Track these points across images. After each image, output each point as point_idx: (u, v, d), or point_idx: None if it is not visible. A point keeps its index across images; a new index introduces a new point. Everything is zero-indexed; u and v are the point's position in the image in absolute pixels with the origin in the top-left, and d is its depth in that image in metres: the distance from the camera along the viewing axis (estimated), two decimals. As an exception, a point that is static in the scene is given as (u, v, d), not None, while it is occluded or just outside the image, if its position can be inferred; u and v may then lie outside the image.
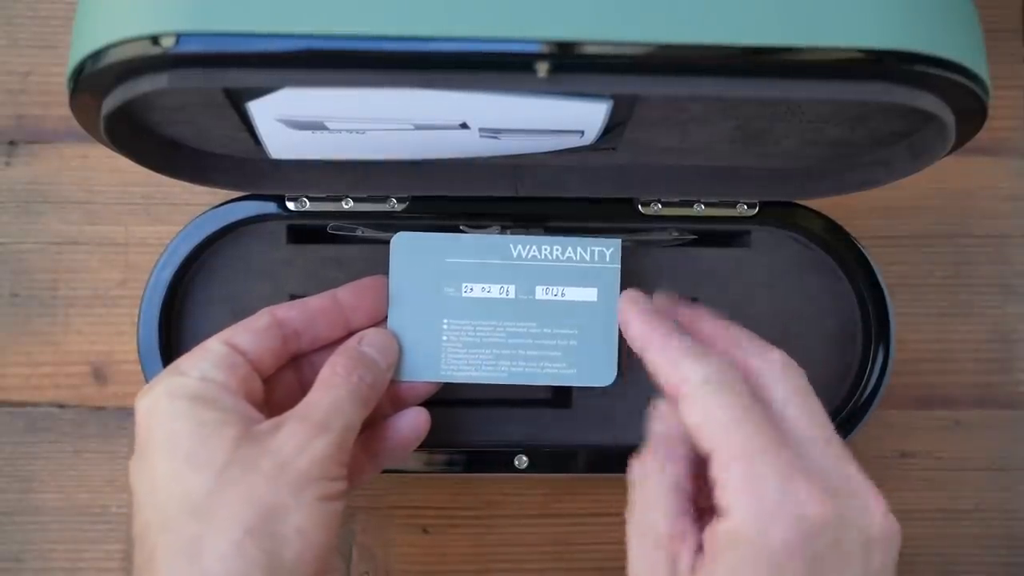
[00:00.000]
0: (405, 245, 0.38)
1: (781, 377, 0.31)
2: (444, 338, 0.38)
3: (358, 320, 0.37)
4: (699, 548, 0.29)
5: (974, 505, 0.46)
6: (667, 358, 0.32)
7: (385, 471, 0.41)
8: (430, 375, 0.38)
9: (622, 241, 0.39)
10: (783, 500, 0.27)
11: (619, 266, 0.38)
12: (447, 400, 0.42)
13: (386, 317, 0.38)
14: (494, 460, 0.41)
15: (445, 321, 0.38)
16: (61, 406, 0.45)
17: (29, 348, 0.45)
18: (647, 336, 0.33)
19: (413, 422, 0.38)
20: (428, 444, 0.41)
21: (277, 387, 0.36)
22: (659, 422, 0.32)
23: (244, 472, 0.30)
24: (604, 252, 0.38)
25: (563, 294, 0.38)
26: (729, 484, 0.28)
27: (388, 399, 0.38)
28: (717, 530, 0.28)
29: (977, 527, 0.46)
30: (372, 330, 0.37)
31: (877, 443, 0.46)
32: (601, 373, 0.38)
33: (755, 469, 0.28)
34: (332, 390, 0.33)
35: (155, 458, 0.31)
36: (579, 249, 0.38)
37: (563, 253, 0.38)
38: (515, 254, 0.38)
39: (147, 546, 0.30)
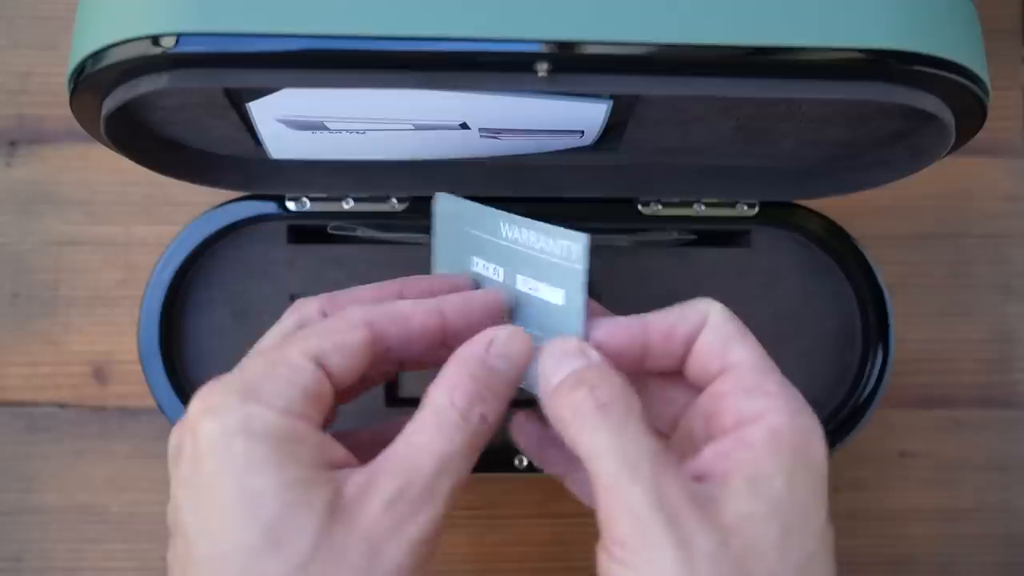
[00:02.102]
0: (446, 207, 0.33)
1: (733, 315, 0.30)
2: None
3: (460, 339, 0.29)
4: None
5: (974, 505, 0.46)
6: (674, 318, 0.29)
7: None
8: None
9: (589, 238, 0.33)
10: (812, 415, 0.27)
11: (584, 267, 0.30)
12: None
13: None
14: (494, 460, 0.41)
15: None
16: (61, 406, 0.45)
17: (30, 348, 0.45)
18: (633, 326, 0.29)
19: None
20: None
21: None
22: (581, 356, 0.28)
23: (331, 563, 0.24)
24: (569, 247, 0.31)
25: (537, 289, 0.32)
26: (771, 390, 0.27)
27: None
28: (748, 434, 0.26)
29: (977, 527, 0.46)
30: (504, 331, 0.28)
31: (877, 443, 0.46)
32: None
33: (786, 382, 0.27)
34: (444, 437, 0.26)
35: (224, 516, 0.24)
36: (548, 239, 0.32)
37: (536, 241, 0.32)
38: (504, 234, 0.33)
39: None
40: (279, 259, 0.42)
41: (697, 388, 0.29)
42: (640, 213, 0.41)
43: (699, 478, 0.26)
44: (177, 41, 0.25)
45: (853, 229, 0.42)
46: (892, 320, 0.42)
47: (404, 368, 0.32)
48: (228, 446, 0.25)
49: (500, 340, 0.28)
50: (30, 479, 0.44)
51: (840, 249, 0.42)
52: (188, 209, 0.44)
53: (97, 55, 0.26)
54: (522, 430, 0.32)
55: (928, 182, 0.46)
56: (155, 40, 0.26)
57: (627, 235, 0.42)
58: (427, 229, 0.41)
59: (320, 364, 0.27)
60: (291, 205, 0.41)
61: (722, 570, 0.24)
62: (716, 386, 0.28)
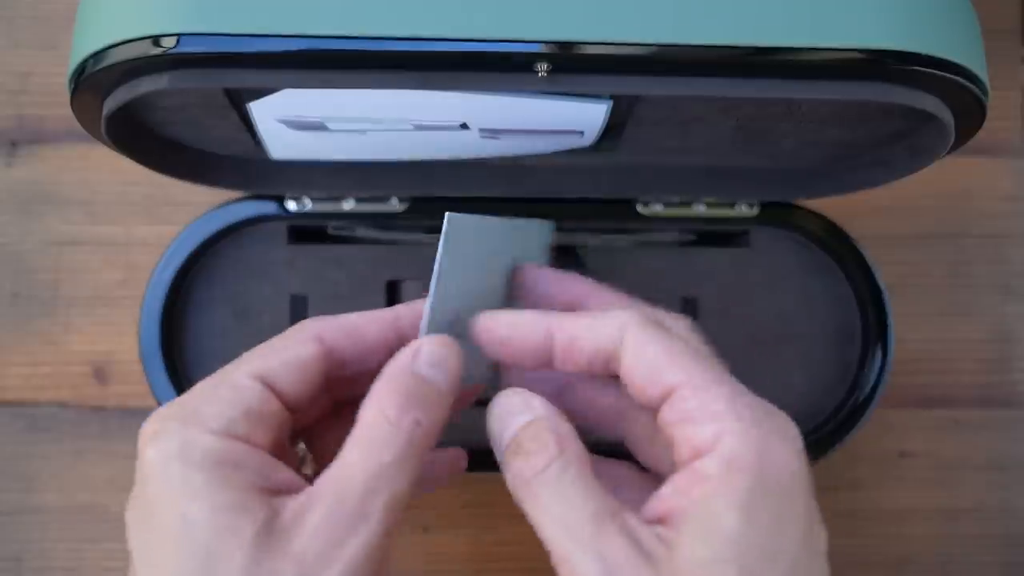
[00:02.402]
0: (459, 228, 0.30)
1: (674, 317, 0.29)
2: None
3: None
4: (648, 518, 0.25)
5: (974, 505, 0.46)
6: (582, 327, 0.27)
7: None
8: (477, 377, 0.31)
9: (553, 224, 0.34)
10: (773, 424, 0.25)
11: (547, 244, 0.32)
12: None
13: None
14: (494, 460, 0.41)
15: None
16: (62, 406, 0.45)
17: (30, 348, 0.45)
18: (537, 323, 0.28)
19: (452, 459, 0.32)
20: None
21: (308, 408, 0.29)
22: (520, 413, 0.27)
23: None
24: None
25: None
26: (717, 411, 0.25)
27: None
28: (703, 465, 0.24)
29: (977, 527, 0.46)
30: (428, 340, 0.27)
31: (877, 443, 0.46)
32: None
33: (736, 394, 0.25)
34: (374, 450, 0.25)
35: (163, 544, 0.24)
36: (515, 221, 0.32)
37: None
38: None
39: None
40: (279, 259, 0.42)
41: (644, 406, 0.27)
42: (640, 213, 0.41)
43: (659, 520, 0.25)
44: (178, 41, 0.25)
45: (853, 229, 0.42)
46: (892, 320, 0.42)
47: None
48: (166, 471, 0.24)
49: (425, 349, 0.27)
50: (30, 479, 0.44)
51: (840, 249, 0.42)
52: (188, 209, 0.44)
53: (98, 55, 0.27)
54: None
55: (928, 182, 0.46)
56: (156, 40, 0.26)
57: (627, 235, 0.42)
58: (427, 229, 0.41)
59: (266, 383, 0.26)
60: (291, 205, 0.41)
61: None
62: (663, 414, 0.26)
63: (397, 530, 0.25)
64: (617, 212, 0.42)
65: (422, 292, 0.29)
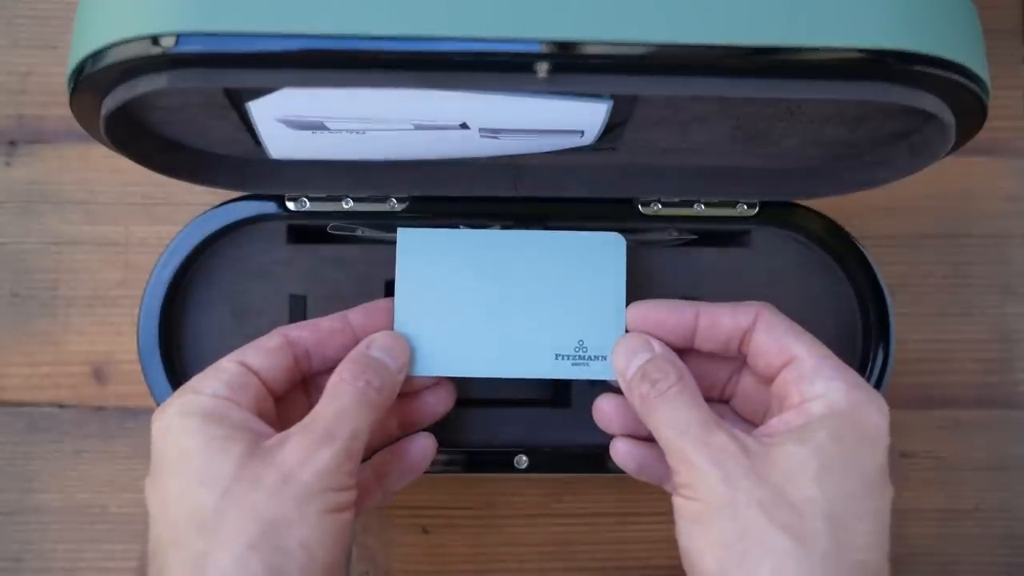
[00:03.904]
0: (412, 241, 0.38)
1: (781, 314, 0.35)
2: (455, 333, 0.38)
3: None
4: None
5: (974, 505, 0.46)
6: (724, 310, 0.35)
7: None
8: (441, 370, 0.38)
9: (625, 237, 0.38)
10: (873, 396, 0.32)
11: (623, 259, 0.38)
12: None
13: None
14: (494, 460, 0.41)
15: (455, 316, 0.38)
16: (61, 406, 0.45)
17: (29, 348, 0.45)
18: (686, 309, 0.36)
19: (421, 447, 0.38)
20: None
21: (290, 407, 0.36)
22: (642, 351, 0.35)
23: (248, 487, 0.30)
24: (607, 245, 0.38)
25: (566, 289, 0.38)
26: (824, 374, 0.32)
27: (398, 420, 0.38)
28: (809, 407, 0.32)
29: (977, 527, 0.46)
30: (381, 333, 0.36)
31: (877, 443, 0.46)
32: (611, 366, 0.38)
33: (842, 365, 0.33)
34: (337, 398, 0.33)
35: (167, 475, 0.31)
36: (580, 243, 0.38)
37: (564, 248, 0.38)
38: (515, 249, 0.38)
39: (158, 562, 0.31)
40: (279, 259, 0.42)
41: (761, 378, 0.35)
42: (640, 213, 0.41)
43: (763, 437, 0.32)
44: (177, 41, 0.25)
45: (853, 229, 0.42)
46: (893, 320, 0.42)
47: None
48: (169, 425, 0.32)
49: (377, 338, 0.36)
50: (30, 479, 0.44)
51: (840, 249, 0.42)
52: (188, 209, 0.45)
53: (97, 55, 0.26)
54: (601, 413, 0.38)
55: (928, 182, 0.46)
56: (155, 40, 0.26)
57: (627, 235, 0.42)
58: (428, 228, 0.41)
59: (243, 363, 0.34)
60: (291, 205, 0.41)
61: (760, 493, 0.30)
62: (783, 376, 0.33)
63: (358, 456, 0.32)
64: (617, 212, 0.41)
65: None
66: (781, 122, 0.34)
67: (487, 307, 0.38)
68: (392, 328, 0.37)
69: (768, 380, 0.35)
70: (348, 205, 0.41)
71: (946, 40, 0.27)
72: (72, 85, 0.28)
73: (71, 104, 0.29)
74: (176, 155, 0.37)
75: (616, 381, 0.36)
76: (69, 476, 0.44)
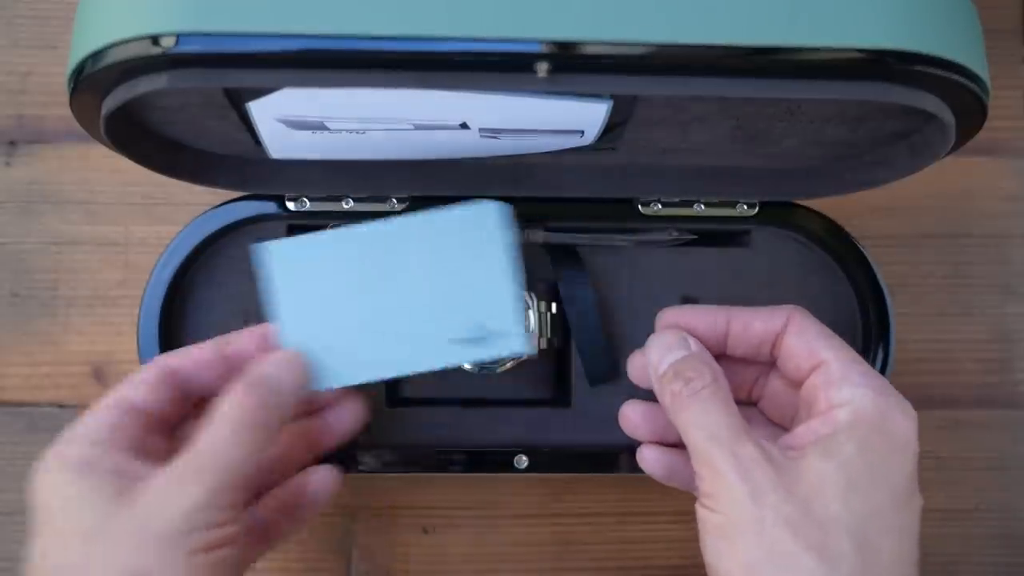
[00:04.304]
0: (281, 254, 0.35)
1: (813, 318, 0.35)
2: (346, 339, 0.35)
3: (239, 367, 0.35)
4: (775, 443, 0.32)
5: (974, 505, 0.46)
6: (757, 312, 0.35)
7: (385, 471, 0.41)
8: (339, 380, 0.35)
9: (508, 207, 0.36)
10: (900, 402, 0.32)
11: (501, 227, 0.35)
12: (447, 400, 0.42)
13: None
14: (494, 460, 0.41)
15: (343, 322, 0.35)
16: (61, 406, 0.45)
17: (29, 348, 0.45)
18: (718, 313, 0.36)
19: (320, 480, 0.37)
20: (428, 444, 0.41)
21: (188, 435, 0.34)
22: (677, 348, 0.34)
23: (110, 537, 0.29)
24: (481, 217, 0.35)
25: (448, 271, 0.35)
26: (856, 380, 0.32)
27: (305, 444, 0.37)
28: (835, 414, 0.31)
29: (977, 527, 0.46)
30: (276, 352, 0.34)
31: (877, 443, 0.46)
32: (512, 340, 0.36)
33: (874, 375, 0.32)
34: (212, 428, 0.31)
35: (37, 535, 0.31)
36: (453, 221, 0.35)
37: (438, 229, 0.35)
38: (390, 240, 0.36)
39: None
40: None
41: (790, 381, 0.35)
42: (640, 213, 0.41)
43: (789, 448, 0.32)
44: (177, 41, 0.25)
45: (853, 229, 0.42)
46: (892, 320, 0.42)
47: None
48: (44, 484, 0.31)
49: (268, 356, 0.34)
50: (30, 479, 0.44)
51: (840, 249, 0.42)
52: (188, 209, 0.44)
53: (97, 55, 0.26)
54: (627, 420, 0.38)
55: (928, 182, 0.46)
56: (155, 40, 0.26)
57: (627, 235, 0.42)
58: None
59: (121, 400, 0.33)
60: (291, 205, 0.41)
61: (786, 509, 0.29)
62: (811, 380, 0.33)
63: (238, 488, 0.31)
64: (617, 212, 0.41)
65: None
66: (781, 122, 0.34)
67: (373, 305, 0.36)
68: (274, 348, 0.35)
69: (797, 384, 0.34)
70: (348, 205, 0.41)
71: (946, 40, 0.27)
72: (72, 85, 0.28)
73: (71, 104, 0.29)
74: (176, 155, 0.37)
75: (515, 357, 0.36)
76: (69, 476, 0.44)
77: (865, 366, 0.33)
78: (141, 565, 0.28)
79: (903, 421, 0.31)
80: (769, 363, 0.36)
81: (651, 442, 0.37)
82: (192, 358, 0.35)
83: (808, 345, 0.34)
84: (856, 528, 0.29)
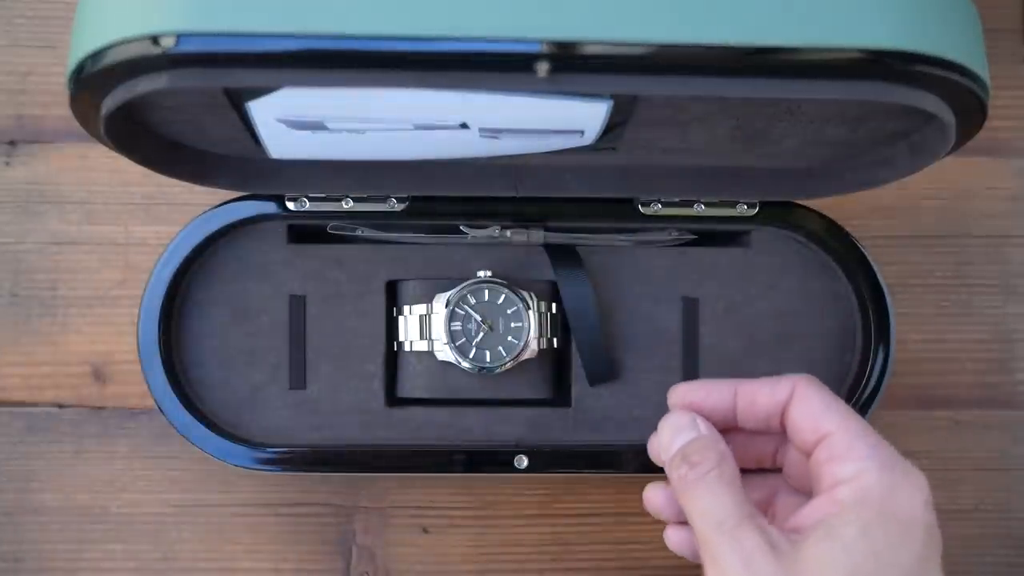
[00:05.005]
0: None
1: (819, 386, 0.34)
2: None
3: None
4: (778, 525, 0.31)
5: (974, 505, 0.46)
6: (762, 384, 0.34)
7: (385, 471, 0.41)
8: None
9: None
10: (908, 473, 0.30)
11: None
12: (447, 400, 0.42)
13: None
14: (494, 460, 0.41)
15: None
16: (61, 406, 0.45)
17: (29, 348, 0.45)
18: (724, 388, 0.35)
19: None
20: (428, 444, 0.41)
21: None
22: (686, 430, 0.34)
23: None
24: None
25: None
26: (862, 453, 0.31)
27: None
28: (838, 493, 0.30)
29: (977, 527, 0.46)
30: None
31: (877, 443, 0.46)
32: None
33: (882, 445, 0.31)
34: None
35: None
36: None
37: None
38: None
39: None
40: (279, 259, 0.42)
41: (800, 450, 0.34)
42: (640, 213, 0.41)
43: (794, 530, 0.31)
44: (177, 41, 0.25)
45: (853, 229, 0.42)
46: (893, 320, 0.42)
47: None
48: None
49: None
50: (30, 479, 0.44)
51: (840, 249, 0.42)
52: (188, 209, 0.44)
53: (97, 55, 0.26)
54: (651, 504, 0.37)
55: (928, 182, 0.46)
56: (155, 40, 0.25)
57: (627, 235, 0.42)
58: (426, 228, 0.41)
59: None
60: (291, 205, 0.41)
61: None
62: (817, 453, 0.32)
63: None
64: (617, 212, 0.41)
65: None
66: (781, 122, 0.34)
67: None
68: None
69: (808, 455, 0.34)
70: (348, 205, 0.41)
71: (946, 40, 0.27)
72: (72, 85, 0.28)
73: (71, 104, 0.29)
74: (176, 155, 0.37)
75: None
76: (69, 476, 0.44)
77: (874, 437, 0.32)
78: None
79: (909, 497, 0.30)
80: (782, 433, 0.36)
81: (676, 523, 0.37)
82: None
83: (813, 417, 0.33)
84: None
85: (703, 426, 0.34)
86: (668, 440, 0.34)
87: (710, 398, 0.35)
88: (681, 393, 0.36)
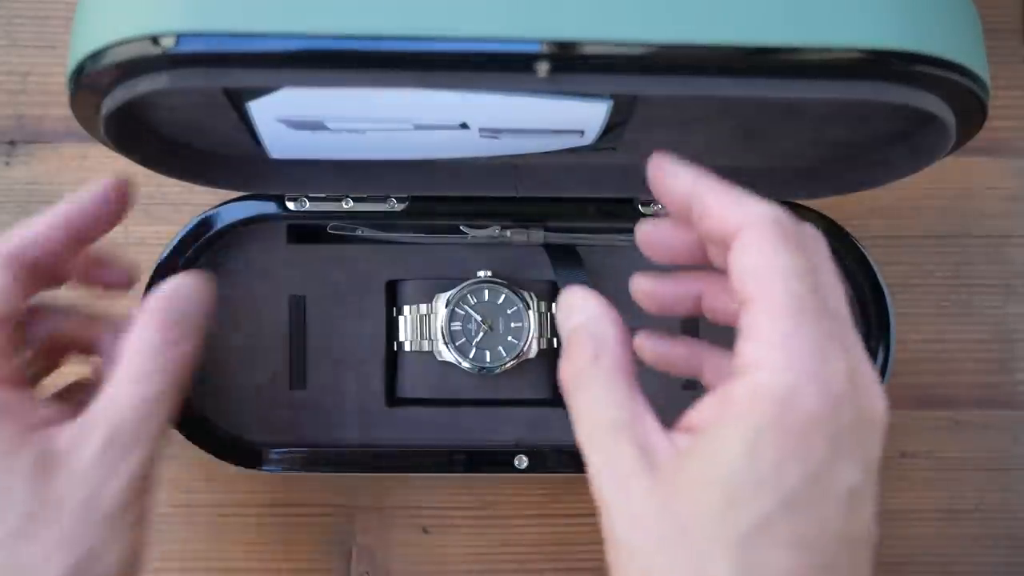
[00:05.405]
0: None
1: (817, 239, 0.28)
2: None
3: (94, 230, 0.32)
4: (668, 429, 0.27)
5: (974, 505, 0.46)
6: (730, 197, 0.27)
7: (385, 471, 0.41)
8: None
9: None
10: (819, 368, 0.24)
11: None
12: (447, 400, 0.42)
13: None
14: (494, 460, 0.41)
15: None
16: (61, 406, 0.45)
17: (29, 348, 0.45)
18: (701, 180, 0.28)
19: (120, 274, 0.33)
20: (428, 444, 0.41)
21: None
22: (575, 314, 0.28)
23: (51, 513, 0.26)
24: None
25: None
26: (766, 336, 0.25)
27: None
28: (734, 388, 0.25)
29: (977, 527, 0.46)
30: (188, 278, 0.31)
31: (877, 443, 0.46)
32: None
33: (800, 328, 0.25)
34: (144, 382, 0.28)
35: None
36: None
37: None
38: None
39: None
40: (279, 259, 0.42)
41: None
42: (640, 213, 0.41)
43: (688, 429, 0.26)
44: (177, 41, 0.25)
45: (853, 229, 0.42)
46: (892, 320, 0.42)
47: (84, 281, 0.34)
48: None
49: (184, 284, 0.31)
50: None
51: (840, 249, 0.42)
52: (188, 209, 0.44)
53: (97, 55, 0.26)
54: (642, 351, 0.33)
55: (928, 182, 0.46)
56: (155, 40, 0.25)
57: (627, 235, 0.42)
58: (427, 228, 0.41)
59: None
60: (291, 205, 0.41)
61: (661, 531, 0.24)
62: (739, 323, 0.26)
63: (162, 450, 0.29)
64: (617, 212, 0.41)
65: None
66: (781, 122, 0.34)
67: None
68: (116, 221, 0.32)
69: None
70: (348, 205, 0.41)
71: (946, 40, 0.27)
72: (72, 85, 0.28)
73: (71, 104, 0.29)
74: (176, 155, 0.37)
75: None
76: (69, 476, 0.44)
77: (795, 320, 0.25)
78: (93, 544, 0.26)
79: (811, 400, 0.24)
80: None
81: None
82: (37, 228, 0.31)
83: (745, 272, 0.26)
84: (737, 547, 0.23)
85: (591, 306, 0.28)
86: (559, 323, 0.29)
87: (668, 189, 0.29)
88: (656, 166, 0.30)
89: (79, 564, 0.26)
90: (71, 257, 0.31)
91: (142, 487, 0.28)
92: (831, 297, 0.27)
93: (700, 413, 0.26)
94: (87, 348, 0.34)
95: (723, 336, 0.30)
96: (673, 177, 0.29)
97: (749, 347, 0.25)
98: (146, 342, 0.29)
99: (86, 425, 0.28)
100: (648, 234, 0.31)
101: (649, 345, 0.33)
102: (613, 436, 0.26)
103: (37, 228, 0.31)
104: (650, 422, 0.26)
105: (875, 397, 0.26)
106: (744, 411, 0.24)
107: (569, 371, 0.28)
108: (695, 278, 0.32)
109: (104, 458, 0.27)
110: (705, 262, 0.31)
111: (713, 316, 0.32)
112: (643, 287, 0.32)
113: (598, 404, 0.27)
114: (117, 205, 0.32)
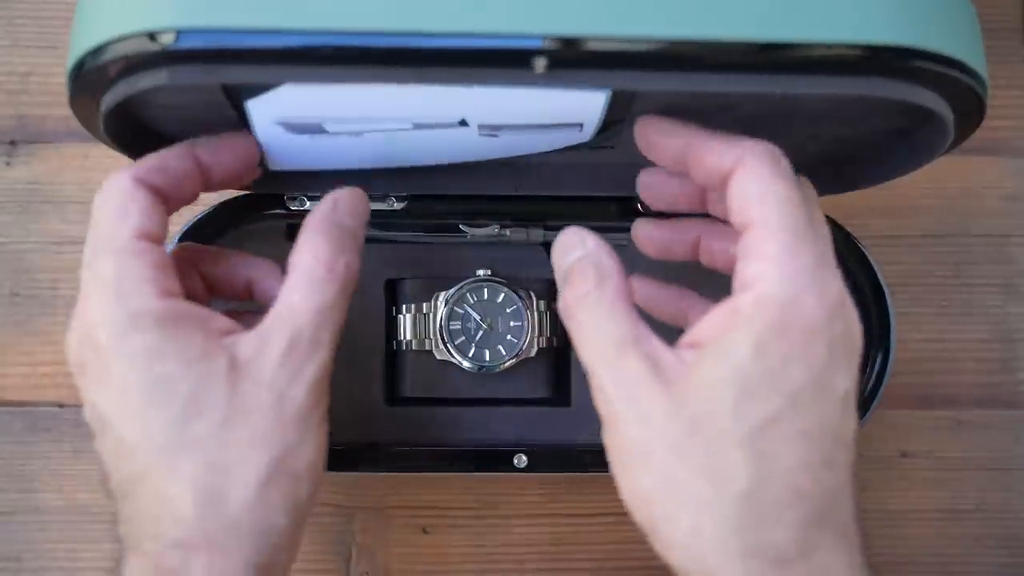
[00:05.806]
0: None
1: (808, 182, 0.31)
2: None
3: (216, 177, 0.33)
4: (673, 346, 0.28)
5: (975, 505, 0.46)
6: (724, 137, 0.30)
7: (385, 471, 0.41)
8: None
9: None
10: (816, 281, 0.27)
11: None
12: (447, 399, 0.42)
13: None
14: (494, 460, 0.41)
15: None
16: (61, 406, 0.45)
17: (29, 348, 0.45)
18: (693, 129, 0.31)
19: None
20: (428, 444, 0.41)
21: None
22: (575, 249, 0.30)
23: (246, 415, 0.28)
24: None
25: None
26: (768, 254, 0.27)
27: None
28: (739, 301, 0.27)
29: (977, 527, 0.45)
30: (346, 193, 0.33)
31: (877, 443, 0.46)
32: None
33: (799, 246, 0.27)
34: (318, 290, 0.30)
35: (145, 404, 0.28)
36: None
37: None
38: None
39: (129, 506, 0.28)
40: (279, 258, 0.42)
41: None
42: (640, 212, 0.41)
43: (693, 345, 0.28)
44: (176, 37, 0.25)
45: (853, 228, 0.42)
46: (893, 320, 0.42)
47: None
48: (128, 345, 0.28)
49: (343, 199, 0.32)
50: (30, 479, 0.44)
51: (840, 249, 0.42)
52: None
53: (96, 51, 0.26)
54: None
55: (928, 182, 0.46)
56: (154, 36, 0.26)
57: (627, 234, 0.42)
58: (426, 227, 0.41)
59: (144, 237, 0.29)
60: (291, 204, 0.41)
61: (673, 432, 0.26)
62: (738, 247, 0.28)
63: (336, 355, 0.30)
64: (617, 211, 0.41)
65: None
66: (780, 119, 0.34)
67: None
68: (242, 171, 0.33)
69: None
70: (348, 204, 0.41)
71: (945, 35, 0.27)
72: (72, 82, 0.28)
73: (70, 101, 0.29)
74: (176, 154, 0.37)
75: None
76: (69, 476, 0.44)
77: (792, 236, 0.27)
78: (287, 442, 0.28)
79: (812, 306, 0.26)
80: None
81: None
82: (170, 168, 0.31)
83: (744, 198, 0.28)
84: (749, 440, 0.26)
85: (590, 242, 0.30)
86: (556, 264, 0.31)
87: (661, 141, 0.31)
88: (643, 126, 0.32)
89: (278, 458, 0.28)
90: (189, 196, 0.32)
91: (322, 388, 0.30)
92: (822, 229, 0.29)
93: (703, 329, 0.28)
94: (235, 292, 0.35)
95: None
96: (666, 133, 0.31)
97: (751, 265, 0.27)
98: (315, 253, 0.30)
99: (266, 333, 0.29)
100: (649, 187, 0.35)
101: (640, 286, 0.36)
102: (620, 350, 0.28)
103: (166, 156, 0.32)
104: (655, 340, 0.28)
105: (856, 320, 0.28)
106: (750, 316, 0.26)
107: (572, 297, 0.29)
108: (693, 224, 0.35)
109: (287, 363, 0.29)
110: (702, 210, 0.33)
111: (710, 260, 0.35)
112: (644, 230, 0.36)
113: (605, 323, 0.28)
114: (245, 162, 0.33)
